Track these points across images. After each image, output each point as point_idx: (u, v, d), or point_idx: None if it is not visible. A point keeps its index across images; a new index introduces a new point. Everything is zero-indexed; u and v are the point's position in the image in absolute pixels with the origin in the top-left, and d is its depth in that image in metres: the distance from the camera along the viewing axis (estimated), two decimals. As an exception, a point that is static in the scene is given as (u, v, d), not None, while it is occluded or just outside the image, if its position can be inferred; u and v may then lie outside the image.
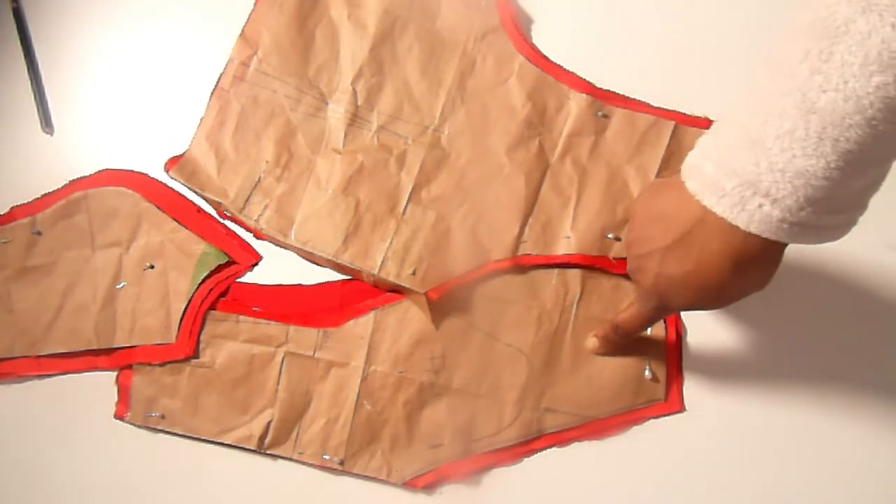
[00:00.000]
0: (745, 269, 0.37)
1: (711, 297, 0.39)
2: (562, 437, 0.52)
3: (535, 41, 0.55)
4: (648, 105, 0.55)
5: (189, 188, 0.53)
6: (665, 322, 0.53)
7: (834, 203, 0.33)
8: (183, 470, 0.52)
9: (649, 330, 0.52)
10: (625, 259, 0.53)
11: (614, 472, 0.52)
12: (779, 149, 0.32)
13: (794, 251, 0.53)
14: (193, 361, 0.52)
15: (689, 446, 0.52)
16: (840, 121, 0.30)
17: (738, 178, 0.33)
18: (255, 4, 0.55)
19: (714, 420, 0.52)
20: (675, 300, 0.41)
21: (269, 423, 0.51)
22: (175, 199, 0.54)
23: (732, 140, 0.34)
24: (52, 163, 0.54)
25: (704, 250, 0.37)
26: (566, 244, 0.53)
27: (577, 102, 0.54)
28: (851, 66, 0.29)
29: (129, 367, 0.52)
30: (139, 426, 0.52)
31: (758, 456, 0.52)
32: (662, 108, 0.55)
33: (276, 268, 0.53)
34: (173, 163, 0.53)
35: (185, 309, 0.52)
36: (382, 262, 0.52)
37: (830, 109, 0.30)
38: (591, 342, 0.52)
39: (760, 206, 0.33)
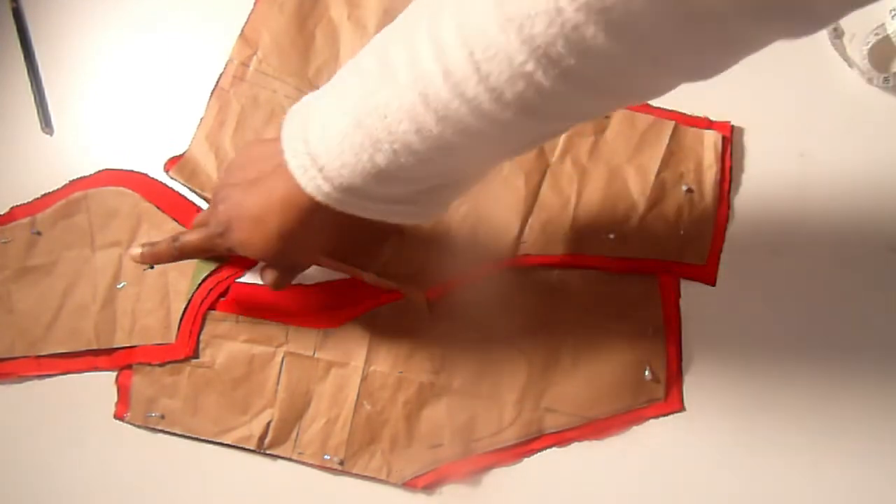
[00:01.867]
0: (298, 220, 0.40)
1: (264, 238, 0.41)
2: (562, 437, 0.52)
3: (535, 41, 0.55)
4: (648, 105, 0.55)
5: (189, 188, 0.53)
6: (665, 323, 0.53)
7: (371, 192, 0.36)
8: (183, 470, 0.52)
9: (650, 329, 0.52)
10: (625, 259, 0.53)
11: (614, 472, 0.52)
12: (334, 125, 0.35)
13: (790, 249, 0.53)
14: (193, 361, 0.52)
15: (689, 446, 0.52)
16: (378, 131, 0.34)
17: (301, 130, 0.37)
18: (255, 4, 0.55)
19: (714, 420, 0.52)
20: (237, 234, 0.43)
21: (268, 423, 0.51)
22: (175, 199, 0.54)
23: (312, 99, 0.38)
24: (52, 163, 0.54)
25: (274, 191, 0.40)
26: (566, 244, 0.53)
27: (577, 102, 0.54)
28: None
29: (129, 367, 0.52)
30: (139, 426, 0.52)
31: (758, 456, 0.52)
32: (662, 108, 0.55)
33: (276, 268, 0.53)
34: (173, 163, 0.53)
35: (185, 309, 0.52)
36: (382, 262, 0.52)
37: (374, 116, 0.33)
38: (135, 251, 0.50)
39: (312, 170, 0.36)
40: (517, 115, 0.31)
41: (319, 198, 0.37)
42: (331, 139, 0.35)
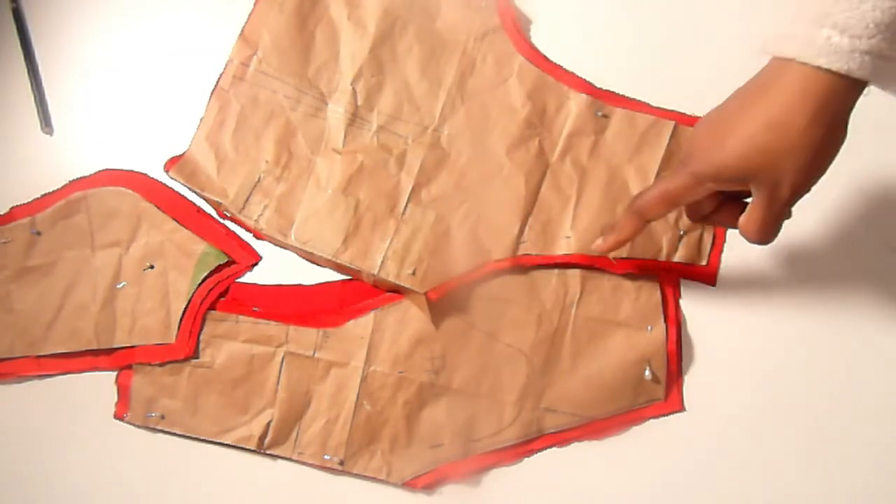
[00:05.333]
0: (821, 113, 0.35)
1: (788, 145, 0.36)
2: (562, 437, 0.52)
3: (534, 41, 0.55)
4: (648, 105, 0.55)
5: (189, 188, 0.53)
6: (665, 322, 0.53)
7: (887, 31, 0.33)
8: (183, 470, 0.52)
9: (650, 329, 0.52)
10: (625, 259, 0.53)
11: (614, 472, 0.52)
12: None
13: (790, 250, 0.53)
14: (193, 361, 0.52)
15: (689, 446, 0.52)
16: None
17: (807, 17, 0.34)
18: (254, 4, 0.55)
19: (714, 420, 0.52)
20: (759, 157, 0.37)
21: (268, 423, 0.51)
22: (175, 199, 0.54)
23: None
24: (52, 163, 0.54)
25: (784, 93, 0.35)
26: (566, 244, 0.53)
27: (576, 102, 0.54)
28: None
29: (129, 367, 0.52)
30: (139, 426, 0.52)
31: (757, 456, 0.52)
32: (662, 108, 0.55)
33: (276, 268, 0.53)
34: (173, 163, 0.53)
35: (185, 309, 0.52)
36: (382, 262, 0.52)
37: None
38: (598, 242, 0.48)
39: (829, 38, 0.33)
40: None
41: (841, 63, 0.33)
42: None
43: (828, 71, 0.34)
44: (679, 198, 0.42)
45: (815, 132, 0.35)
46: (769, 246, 0.53)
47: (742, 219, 0.40)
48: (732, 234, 0.54)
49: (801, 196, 0.39)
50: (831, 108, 0.35)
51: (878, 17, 0.32)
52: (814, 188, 0.56)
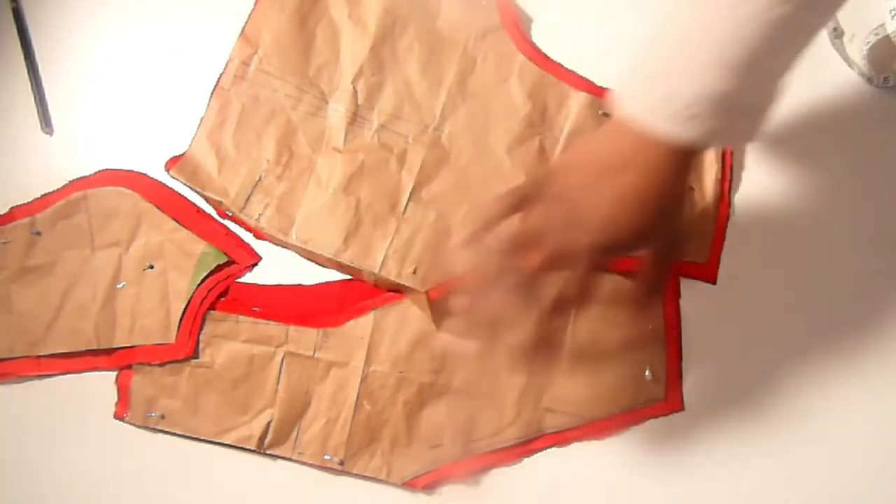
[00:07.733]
0: (648, 168, 0.37)
1: (623, 206, 0.37)
2: (562, 437, 0.52)
3: (535, 40, 0.56)
4: (649, 104, 0.55)
5: (190, 188, 0.53)
6: (665, 322, 0.53)
7: (730, 104, 0.35)
8: (183, 470, 0.52)
9: (650, 328, 0.52)
10: (625, 259, 0.52)
11: (614, 472, 0.52)
12: (678, 50, 0.36)
13: (791, 249, 0.53)
14: (193, 361, 0.52)
15: (689, 446, 0.52)
16: (733, 31, 0.34)
17: (644, 74, 0.37)
18: (255, 4, 0.55)
19: (714, 420, 0.52)
20: (585, 217, 0.38)
21: (268, 423, 0.51)
22: (175, 199, 0.54)
23: (646, 50, 0.38)
24: (51, 163, 0.54)
25: (615, 153, 0.38)
26: (566, 244, 0.53)
27: (577, 101, 0.54)
28: None
29: (129, 367, 0.52)
30: (139, 426, 0.52)
31: (757, 456, 0.52)
32: (663, 108, 0.55)
33: (276, 268, 0.53)
34: (174, 162, 0.53)
35: (185, 309, 0.52)
36: (383, 260, 0.52)
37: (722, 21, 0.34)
38: None
39: (669, 100, 0.35)
40: None
41: (684, 129, 0.35)
42: (680, 50, 0.35)
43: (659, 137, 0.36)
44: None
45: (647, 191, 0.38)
46: (769, 246, 0.54)
47: None
48: (733, 233, 0.54)
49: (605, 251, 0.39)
50: (681, 175, 0.38)
51: (707, 88, 0.35)
52: (816, 186, 0.56)
